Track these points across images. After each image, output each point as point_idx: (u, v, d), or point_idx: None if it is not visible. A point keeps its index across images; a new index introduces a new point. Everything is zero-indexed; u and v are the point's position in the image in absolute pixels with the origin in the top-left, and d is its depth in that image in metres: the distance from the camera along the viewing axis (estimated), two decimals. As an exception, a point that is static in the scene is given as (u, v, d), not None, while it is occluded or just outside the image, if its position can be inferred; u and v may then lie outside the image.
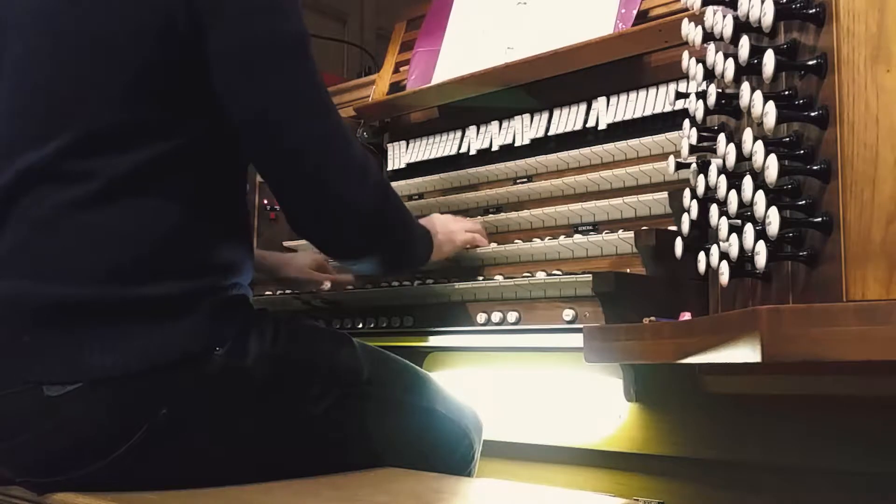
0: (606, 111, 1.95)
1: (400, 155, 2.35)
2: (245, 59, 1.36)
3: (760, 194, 1.05)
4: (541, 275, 1.60)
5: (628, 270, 1.54)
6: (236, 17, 1.35)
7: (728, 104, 1.22)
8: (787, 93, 1.09)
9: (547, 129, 2.06)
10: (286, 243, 2.29)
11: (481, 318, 1.67)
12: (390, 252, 1.58)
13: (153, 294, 1.32)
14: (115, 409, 1.31)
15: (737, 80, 1.14)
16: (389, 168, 2.36)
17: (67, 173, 1.33)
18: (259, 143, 1.40)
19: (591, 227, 1.78)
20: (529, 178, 2.03)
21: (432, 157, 2.28)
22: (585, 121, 1.99)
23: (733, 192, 1.14)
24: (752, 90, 1.08)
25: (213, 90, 1.37)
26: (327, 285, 1.92)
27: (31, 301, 1.31)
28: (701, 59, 1.29)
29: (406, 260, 1.65)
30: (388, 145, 2.38)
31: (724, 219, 1.16)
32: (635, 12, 1.90)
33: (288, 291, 2.07)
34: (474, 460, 1.68)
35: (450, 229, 1.78)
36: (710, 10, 1.25)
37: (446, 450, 1.63)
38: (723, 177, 1.19)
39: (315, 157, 1.40)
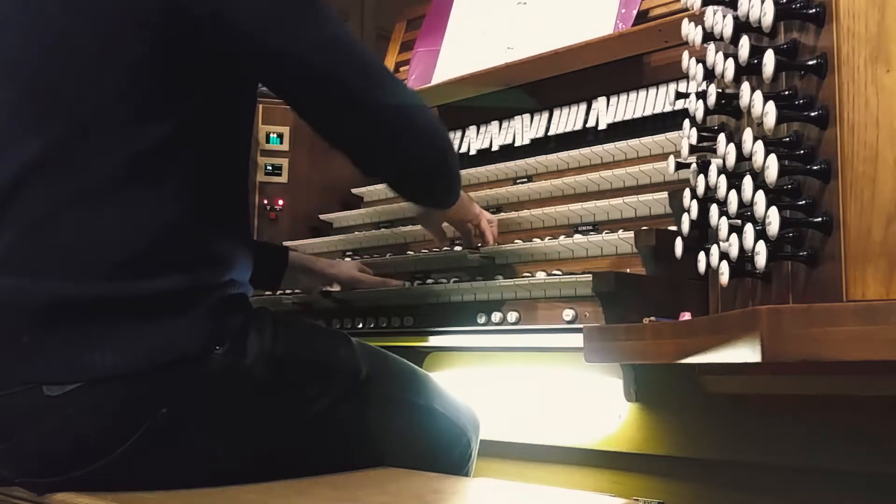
0: (606, 111, 1.95)
1: (400, 155, 2.34)
2: (275, 19, 1.36)
3: (760, 194, 1.05)
4: (541, 275, 1.60)
5: (628, 270, 1.54)
6: None
7: (728, 104, 1.22)
8: (787, 93, 1.09)
9: (547, 129, 2.06)
10: (286, 243, 2.29)
11: (481, 318, 1.66)
12: (446, 184, 1.63)
13: (153, 291, 1.32)
14: (115, 409, 1.30)
15: (737, 80, 1.14)
16: (389, 168, 2.36)
17: (64, 167, 1.33)
18: (318, 101, 1.43)
19: (591, 227, 1.78)
20: (529, 178, 2.03)
21: (432, 157, 2.27)
22: (585, 121, 1.99)
23: (733, 192, 1.14)
24: (752, 90, 1.08)
25: (217, 74, 1.37)
26: (389, 283, 1.90)
27: (30, 300, 1.31)
28: (701, 59, 1.29)
29: (451, 194, 1.68)
30: (389, 145, 2.38)
31: (724, 219, 1.16)
32: (635, 12, 1.90)
33: (287, 291, 2.07)
34: (472, 458, 1.69)
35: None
36: (710, 10, 1.25)
37: (445, 448, 1.63)
38: (723, 177, 1.19)
39: (376, 107, 1.43)
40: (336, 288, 1.95)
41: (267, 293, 2.09)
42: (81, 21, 1.35)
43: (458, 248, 1.90)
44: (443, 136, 1.56)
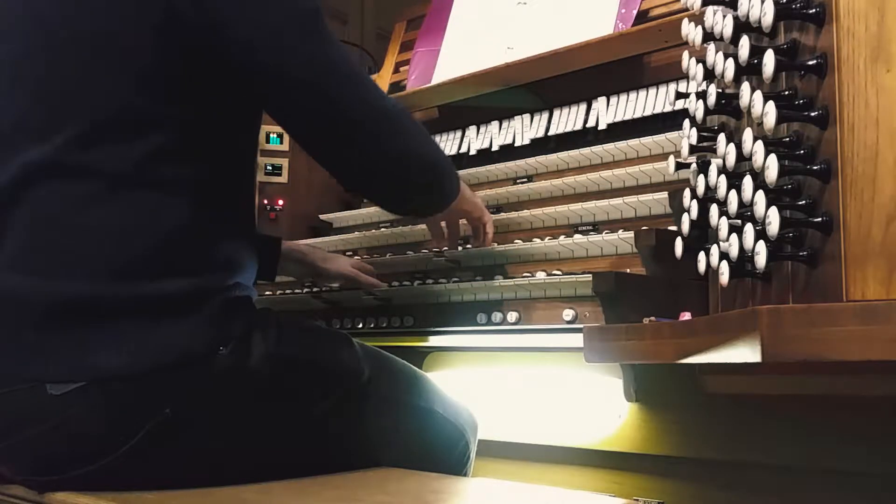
0: (606, 111, 1.95)
1: (400, 155, 2.34)
2: (274, 37, 1.36)
3: (760, 194, 1.05)
4: (541, 275, 1.60)
5: (628, 270, 1.54)
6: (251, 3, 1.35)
7: (728, 104, 1.22)
8: (787, 93, 1.09)
9: (547, 129, 2.06)
10: (286, 243, 2.29)
11: (481, 318, 1.66)
12: (430, 189, 1.60)
13: (157, 293, 1.32)
14: (118, 409, 1.30)
15: (737, 80, 1.14)
16: (389, 168, 2.36)
17: (70, 168, 1.33)
18: (299, 114, 1.42)
19: (591, 227, 1.78)
20: (529, 178, 2.03)
21: (432, 157, 2.27)
22: (585, 121, 1.99)
23: (733, 192, 1.14)
24: (752, 90, 1.08)
25: (219, 81, 1.36)
26: (380, 285, 1.90)
27: (36, 298, 1.31)
28: (701, 59, 1.29)
29: (438, 195, 1.65)
30: (389, 145, 2.38)
31: (724, 219, 1.16)
32: (635, 12, 1.90)
33: (288, 291, 2.07)
34: (470, 460, 1.69)
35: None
36: (710, 10, 1.25)
37: (444, 450, 1.63)
38: (723, 177, 1.19)
39: (359, 123, 1.42)
40: (335, 284, 1.95)
41: (267, 293, 2.09)
42: (89, 22, 1.35)
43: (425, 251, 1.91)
44: (426, 138, 1.55)
